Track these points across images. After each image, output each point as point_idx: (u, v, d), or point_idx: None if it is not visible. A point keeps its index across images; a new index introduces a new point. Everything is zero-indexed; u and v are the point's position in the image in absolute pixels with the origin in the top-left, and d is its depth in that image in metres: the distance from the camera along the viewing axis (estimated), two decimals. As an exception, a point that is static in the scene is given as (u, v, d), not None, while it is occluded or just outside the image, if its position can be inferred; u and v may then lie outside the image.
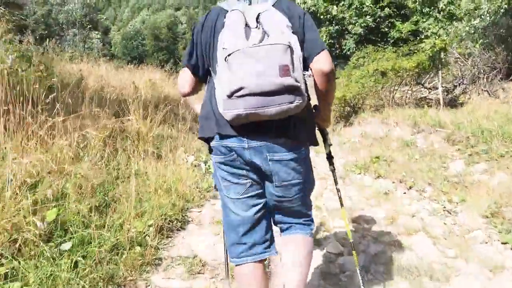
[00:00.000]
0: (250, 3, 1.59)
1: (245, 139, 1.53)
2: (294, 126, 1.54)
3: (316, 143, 1.72)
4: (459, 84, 10.25)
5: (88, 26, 30.34)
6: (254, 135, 1.52)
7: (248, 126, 1.48)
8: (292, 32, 1.49)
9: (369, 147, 6.39)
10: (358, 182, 4.90)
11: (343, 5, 11.42)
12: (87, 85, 9.06)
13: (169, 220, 2.92)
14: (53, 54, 12.90)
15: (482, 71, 10.18)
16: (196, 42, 1.65)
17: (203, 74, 1.70)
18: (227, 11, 1.56)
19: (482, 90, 9.98)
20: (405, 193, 4.39)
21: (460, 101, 9.35)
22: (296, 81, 1.38)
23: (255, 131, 1.50)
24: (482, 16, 11.65)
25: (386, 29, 11.51)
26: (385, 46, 9.68)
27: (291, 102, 1.39)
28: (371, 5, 10.56)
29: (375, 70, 7.93)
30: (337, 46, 12.57)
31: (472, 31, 12.40)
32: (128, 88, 10.87)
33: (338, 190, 2.15)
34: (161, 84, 13.20)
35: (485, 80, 10.08)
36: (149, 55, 46.17)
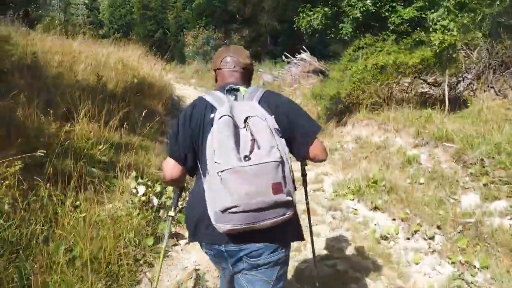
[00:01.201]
0: (236, 99, 1.62)
1: (222, 246, 1.55)
2: (279, 230, 1.50)
3: (302, 239, 1.70)
4: (463, 79, 9.32)
5: (67, -10, 28.30)
6: (233, 240, 1.52)
7: (229, 234, 1.48)
8: (281, 136, 1.51)
9: (364, 160, 5.49)
10: (350, 217, 4.02)
11: (341, -16, 10.24)
12: (44, 69, 7.94)
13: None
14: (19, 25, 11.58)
15: (488, 65, 9.24)
16: (184, 134, 1.63)
17: (191, 167, 1.67)
18: (215, 107, 1.57)
19: (488, 87, 9.07)
20: (408, 238, 3.54)
21: (465, 98, 8.45)
22: (288, 194, 1.41)
23: (236, 237, 1.50)
24: (491, 2, 10.61)
25: (387, 14, 10.39)
26: (386, 34, 8.61)
27: (284, 214, 1.42)
28: (372, -13, 9.41)
29: (374, 65, 6.94)
30: (333, 29, 11.45)
31: (479, 19, 11.35)
32: (99, 68, 9.73)
33: (307, 204, 2.28)
34: (138, 63, 11.99)
35: (491, 76, 9.16)
36: (136, 24, 43.91)
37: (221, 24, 21.56)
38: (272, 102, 1.62)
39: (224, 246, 1.54)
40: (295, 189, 1.56)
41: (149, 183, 3.83)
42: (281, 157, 1.41)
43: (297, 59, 12.55)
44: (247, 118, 1.48)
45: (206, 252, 1.67)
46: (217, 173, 1.37)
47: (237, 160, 1.36)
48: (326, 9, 11.16)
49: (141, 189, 3.51)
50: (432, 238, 3.44)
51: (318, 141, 1.64)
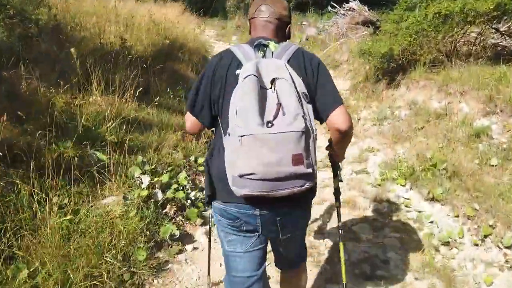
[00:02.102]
0: (264, 55, 1.53)
1: (257, 209, 1.50)
2: (303, 196, 1.45)
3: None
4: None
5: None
6: (263, 204, 1.48)
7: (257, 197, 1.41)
8: (308, 102, 1.45)
9: (420, 133, 4.59)
10: (400, 211, 3.27)
11: None
12: (71, 33, 7.52)
13: None
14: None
15: None
16: (204, 90, 1.56)
17: (209, 123, 1.62)
18: (241, 63, 1.50)
19: None
20: (477, 245, 2.75)
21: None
22: (309, 166, 1.36)
23: (265, 201, 1.44)
24: None
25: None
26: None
27: (302, 186, 1.37)
28: None
29: (435, 14, 5.76)
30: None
31: None
32: (131, 29, 9.21)
33: (339, 228, 1.93)
34: (171, 23, 11.29)
35: None
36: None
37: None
38: (302, 62, 1.52)
39: (259, 209, 1.50)
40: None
41: (158, 168, 3.30)
42: (306, 126, 1.35)
43: (345, 9, 11.24)
44: (274, 79, 1.40)
45: (231, 215, 1.55)
46: (238, 136, 1.34)
47: (259, 126, 1.31)
48: None
49: (146, 180, 2.97)
50: (509, 247, 2.63)
51: (343, 108, 1.49)
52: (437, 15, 5.77)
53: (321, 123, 1.56)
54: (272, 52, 1.53)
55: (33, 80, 4.24)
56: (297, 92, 1.39)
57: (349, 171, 4.08)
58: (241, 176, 1.34)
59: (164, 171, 3.24)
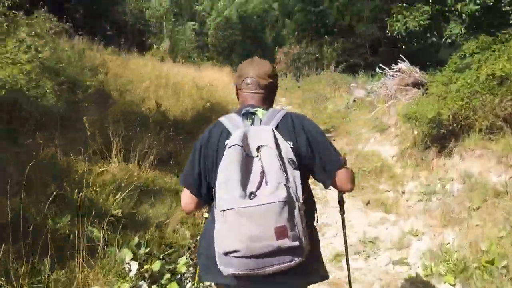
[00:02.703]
0: (252, 123, 1.54)
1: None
2: (294, 270, 1.34)
3: (324, 277, 1.58)
4: None
5: (173, 19, 30.02)
6: (252, 283, 1.40)
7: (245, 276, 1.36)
8: (296, 167, 1.38)
9: (475, 214, 3.86)
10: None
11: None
12: (115, 98, 7.78)
13: None
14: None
15: None
16: (199, 164, 1.55)
17: (206, 196, 1.57)
18: (230, 133, 1.50)
19: None
20: None
21: None
22: (295, 239, 1.28)
23: (253, 280, 1.37)
24: None
25: (508, 8, 8.24)
26: (508, 34, 6.59)
27: (290, 261, 1.30)
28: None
29: (489, 76, 5.16)
30: (435, 32, 9.56)
31: None
32: (176, 94, 9.47)
33: (345, 235, 1.94)
34: (216, 86, 11.55)
35: None
36: (237, 45, 45.72)
37: (314, 38, 20.45)
38: (291, 127, 1.51)
39: None
40: (315, 221, 1.56)
41: (155, 251, 2.93)
42: (288, 196, 1.28)
43: (394, 70, 10.83)
44: (259, 147, 1.38)
45: None
46: (221, 211, 1.30)
47: (241, 198, 1.27)
48: (426, 8, 9.35)
49: (134, 267, 2.60)
50: None
51: (343, 171, 1.53)
52: (491, 76, 5.17)
53: (325, 187, 1.57)
54: (260, 120, 1.53)
55: (52, 147, 4.19)
56: (281, 158, 1.35)
57: (386, 259, 3.43)
58: (226, 254, 1.29)
59: (161, 255, 2.86)
